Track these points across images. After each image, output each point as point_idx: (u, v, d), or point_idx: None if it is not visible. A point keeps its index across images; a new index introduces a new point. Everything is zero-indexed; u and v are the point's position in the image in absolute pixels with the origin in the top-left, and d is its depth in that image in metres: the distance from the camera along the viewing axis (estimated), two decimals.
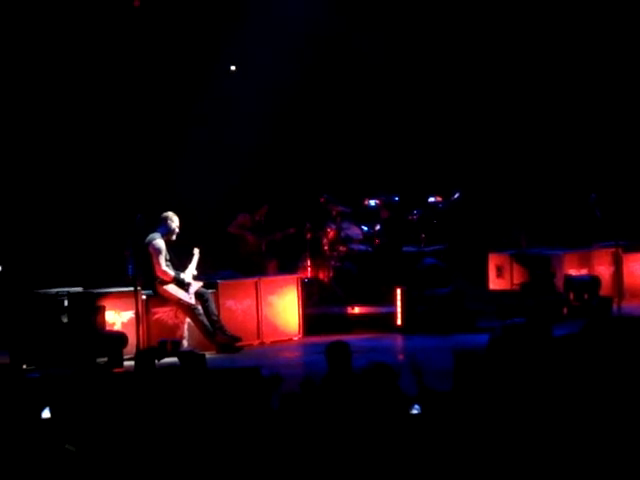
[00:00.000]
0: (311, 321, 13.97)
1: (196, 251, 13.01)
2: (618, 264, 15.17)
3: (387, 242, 15.73)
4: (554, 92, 17.86)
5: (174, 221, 12.83)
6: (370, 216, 16.21)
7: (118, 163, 16.41)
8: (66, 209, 16.05)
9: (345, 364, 7.48)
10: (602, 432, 6.22)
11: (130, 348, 11.92)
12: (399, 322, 14.00)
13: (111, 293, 12.62)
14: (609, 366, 6.94)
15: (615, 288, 14.74)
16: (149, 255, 12.69)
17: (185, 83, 17.06)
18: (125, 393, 7.31)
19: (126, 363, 11.64)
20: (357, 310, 14.76)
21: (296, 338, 13.70)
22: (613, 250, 15.24)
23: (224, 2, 16.87)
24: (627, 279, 15.32)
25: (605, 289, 14.71)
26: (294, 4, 16.86)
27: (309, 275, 15.47)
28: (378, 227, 16.02)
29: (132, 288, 12.11)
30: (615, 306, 13.48)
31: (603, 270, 15.30)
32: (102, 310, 12.30)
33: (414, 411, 6.29)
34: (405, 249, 15.62)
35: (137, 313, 12.11)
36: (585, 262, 15.43)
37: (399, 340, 13.61)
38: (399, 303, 14.00)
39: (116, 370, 11.19)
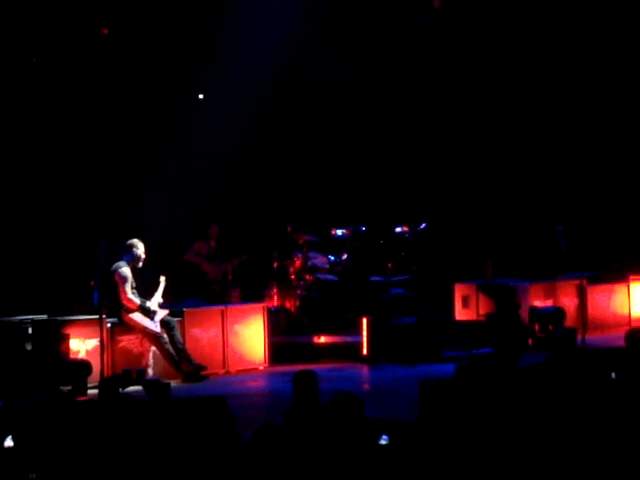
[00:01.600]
0: (277, 350, 13.94)
1: (162, 279, 12.96)
2: (582, 296, 15.27)
3: (353, 271, 15.76)
4: (518, 123, 17.99)
5: (139, 248, 12.79)
6: (337, 246, 16.25)
7: (82, 191, 16.33)
8: (30, 236, 15.94)
9: (312, 393, 7.47)
10: (566, 460, 6.24)
11: (95, 376, 11.82)
12: (365, 352, 14.00)
13: (76, 321, 12.54)
14: (573, 396, 6.97)
15: (580, 319, 14.82)
16: (115, 283, 12.63)
17: (151, 113, 17.04)
18: (89, 421, 7.25)
19: (90, 391, 11.55)
20: (323, 339, 14.75)
21: (262, 367, 13.65)
22: (578, 282, 15.34)
23: (192, 31, 16.87)
24: (591, 311, 15.42)
25: (570, 320, 14.79)
26: (262, 35, 16.88)
27: (275, 304, 15.46)
28: (345, 256, 16.05)
29: (97, 316, 12.04)
30: (579, 337, 13.58)
31: (568, 301, 15.38)
32: (66, 338, 12.21)
33: (382, 442, 6.29)
34: (371, 279, 15.66)
35: (102, 341, 12.02)
36: (550, 293, 15.51)
37: (365, 370, 13.60)
38: (365, 332, 14.00)
39: (80, 398, 11.09)
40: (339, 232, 16.14)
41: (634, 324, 15.24)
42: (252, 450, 6.35)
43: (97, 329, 12.04)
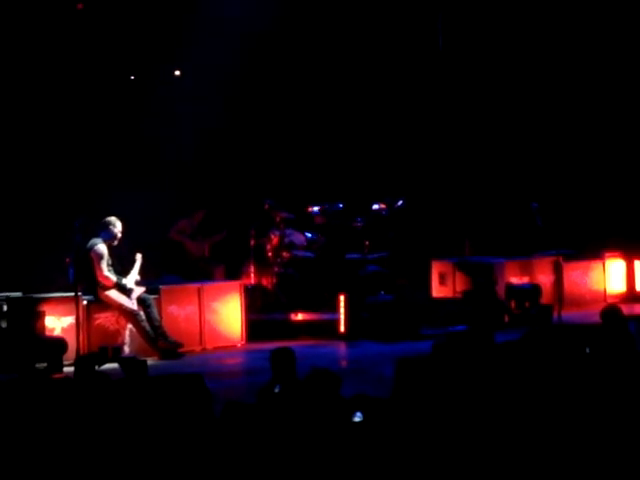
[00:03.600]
0: (254, 327, 13.93)
1: (138, 256, 12.92)
2: (559, 273, 15.33)
3: (328, 249, 15.74)
4: (496, 100, 17.99)
5: (117, 226, 12.73)
6: (313, 223, 16.22)
7: (57, 167, 16.22)
8: (5, 213, 15.82)
9: (290, 370, 7.47)
10: (542, 438, 6.27)
11: (71, 354, 11.79)
12: (342, 329, 14.01)
13: (51, 298, 12.50)
14: (549, 372, 7.00)
15: (556, 296, 14.88)
16: (90, 260, 12.58)
17: (126, 87, 16.94)
18: (64, 399, 7.22)
19: (66, 369, 11.51)
20: (300, 317, 14.75)
21: (239, 344, 13.64)
22: (554, 259, 15.39)
23: (167, 7, 16.75)
24: (567, 287, 15.49)
25: (546, 297, 14.86)
26: (237, 6, 16.78)
27: (252, 281, 15.44)
28: (320, 235, 16.04)
29: (73, 293, 11.99)
30: (555, 314, 13.64)
31: (544, 278, 15.44)
32: (42, 315, 12.17)
33: (356, 419, 6.29)
34: (348, 256, 15.65)
35: (78, 318, 11.99)
36: (526, 270, 15.57)
37: (342, 347, 13.62)
38: (342, 310, 14.01)
39: (56, 376, 11.05)
40: (316, 209, 16.11)
41: (609, 300, 15.33)
42: (220, 429, 6.34)
43: (73, 306, 12.02)
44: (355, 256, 15.63)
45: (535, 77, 17.82)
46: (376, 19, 17.71)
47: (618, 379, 6.85)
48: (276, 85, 18.02)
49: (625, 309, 9.16)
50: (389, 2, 17.67)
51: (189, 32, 16.73)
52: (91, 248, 12.59)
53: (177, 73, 17.65)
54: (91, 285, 12.62)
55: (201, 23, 16.80)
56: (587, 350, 7.47)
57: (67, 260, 12.63)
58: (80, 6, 16.25)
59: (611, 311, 8.51)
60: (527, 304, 14.46)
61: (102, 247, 12.60)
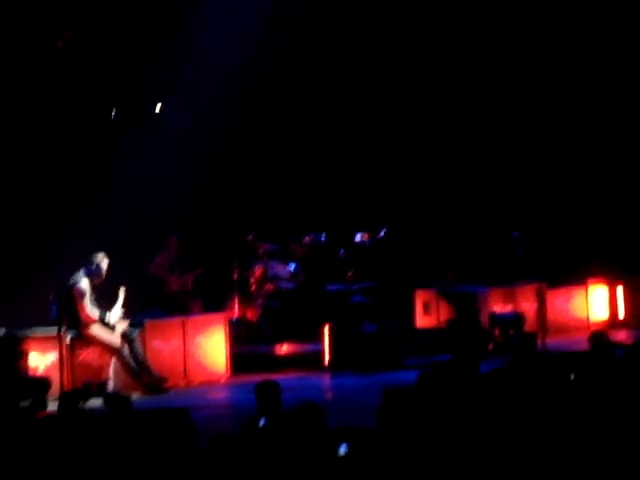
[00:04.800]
0: (239, 360, 13.89)
1: (122, 291, 12.88)
2: (542, 300, 15.37)
3: (313, 280, 15.74)
4: (477, 128, 18.10)
5: (102, 263, 12.68)
6: (298, 255, 16.23)
7: (38, 199, 16.20)
8: None
9: (275, 403, 7.45)
10: (529, 466, 6.27)
11: (55, 390, 11.72)
12: (327, 360, 13.99)
13: (34, 335, 12.42)
14: (534, 400, 7.01)
15: (539, 324, 14.92)
16: (73, 296, 12.53)
17: (107, 122, 16.95)
18: (49, 438, 7.18)
19: (51, 406, 11.44)
20: (285, 349, 14.73)
21: (224, 378, 13.60)
22: (537, 286, 15.44)
23: (151, 42, 16.80)
24: (551, 315, 15.53)
25: (530, 325, 14.89)
26: (222, 49, 16.86)
27: (237, 314, 15.42)
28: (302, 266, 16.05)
29: (56, 330, 11.94)
30: (539, 342, 13.67)
31: (527, 306, 15.48)
32: (25, 353, 12.10)
33: (342, 451, 6.28)
34: (332, 287, 15.66)
35: (61, 355, 11.93)
36: (510, 298, 15.61)
37: (327, 378, 13.59)
38: (327, 341, 14.01)
39: (40, 414, 10.98)
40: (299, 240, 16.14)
41: (593, 327, 15.37)
42: (205, 463, 6.31)
43: (56, 343, 11.95)
44: (339, 287, 15.64)
45: (514, 106, 17.96)
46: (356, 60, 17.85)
47: (603, 406, 6.86)
48: (258, 118, 18.09)
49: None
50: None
51: (172, 67, 16.78)
52: (74, 284, 12.54)
53: (158, 108, 17.68)
54: (74, 321, 12.57)
55: (185, 57, 16.87)
56: (572, 377, 7.48)
57: (50, 296, 12.58)
58: (60, 44, 16.28)
59: (599, 337, 8.53)
60: (511, 332, 14.49)
61: (85, 283, 12.56)
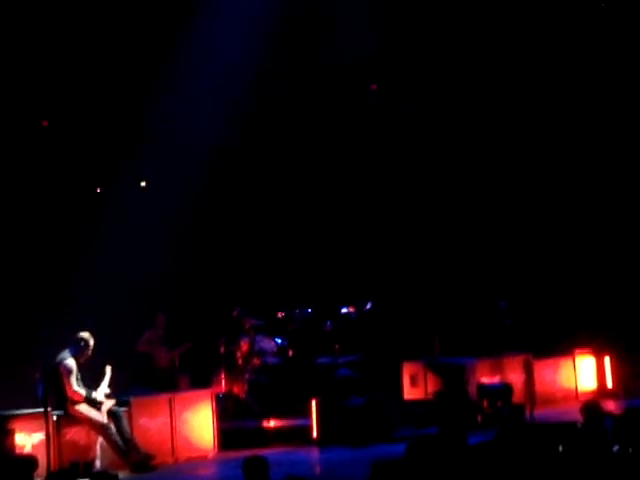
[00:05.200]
0: (227, 436, 13.81)
1: (108, 369, 12.85)
2: (529, 371, 15.37)
3: (298, 354, 15.72)
4: (453, 199, 18.23)
5: (88, 343, 12.65)
6: (284, 329, 16.22)
7: (21, 279, 16.19)
8: None
9: (262, 479, 7.41)
10: None
11: (42, 470, 11.60)
12: (315, 434, 13.92)
13: (21, 415, 12.34)
14: (523, 472, 6.99)
15: (527, 395, 14.89)
16: (60, 375, 12.48)
17: (90, 199, 17.04)
18: None
19: None
20: (273, 424, 14.65)
21: (211, 454, 13.51)
22: (524, 357, 15.44)
23: (129, 117, 16.93)
24: (538, 386, 15.50)
25: (518, 396, 14.85)
26: (197, 118, 17.01)
27: (224, 389, 15.35)
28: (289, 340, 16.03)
29: (42, 409, 11.87)
30: (528, 413, 13.64)
31: (515, 377, 15.45)
32: (11, 433, 12.01)
33: None
34: (319, 360, 15.63)
35: (48, 434, 11.85)
36: (497, 369, 15.58)
37: (315, 453, 13.52)
38: (314, 415, 13.95)
39: None
40: (285, 315, 16.15)
41: (581, 397, 15.37)
42: None
43: (43, 422, 11.88)
44: (326, 360, 15.61)
45: (489, 168, 18.10)
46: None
47: (593, 477, 6.85)
48: (241, 192, 18.19)
49: None
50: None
51: (154, 143, 16.90)
52: (60, 362, 12.50)
53: (143, 184, 17.79)
54: (60, 400, 12.50)
55: (167, 134, 17.01)
56: (560, 449, 7.48)
57: (36, 375, 12.54)
58: (45, 123, 16.43)
59: (592, 407, 8.54)
60: (499, 404, 14.45)
61: (71, 362, 12.51)
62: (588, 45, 17.30)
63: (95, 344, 12.80)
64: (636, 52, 17.13)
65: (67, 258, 16.60)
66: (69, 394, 12.46)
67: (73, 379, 12.48)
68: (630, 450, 7.17)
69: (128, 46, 16.53)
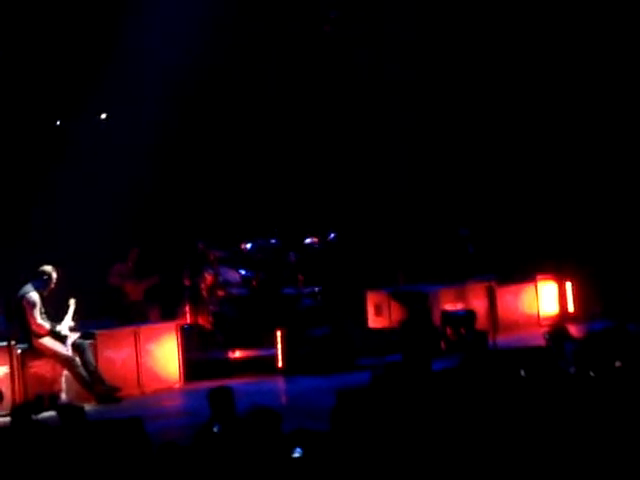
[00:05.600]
0: (192, 367, 13.85)
1: (72, 302, 12.80)
2: (492, 298, 15.48)
3: (262, 285, 15.74)
4: (420, 127, 18.18)
5: (51, 276, 12.56)
6: (248, 260, 16.22)
7: None
8: None
9: (228, 409, 7.45)
10: (480, 464, 6.33)
11: (7, 404, 11.61)
12: (280, 364, 14.00)
13: None
14: (486, 397, 7.07)
15: (490, 321, 15.03)
16: (23, 309, 12.42)
17: (55, 133, 16.84)
18: (1, 449, 7.12)
19: (2, 419, 11.33)
20: (238, 354, 14.72)
21: (177, 385, 13.55)
22: (487, 284, 15.56)
23: (89, 50, 16.68)
24: (501, 312, 15.63)
25: (481, 322, 14.99)
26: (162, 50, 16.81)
27: (189, 321, 15.37)
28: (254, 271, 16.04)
29: (5, 343, 11.83)
30: (490, 339, 13.78)
31: (478, 304, 15.57)
32: None
33: (296, 454, 6.30)
34: (283, 291, 15.67)
35: (12, 368, 11.82)
36: (461, 297, 15.71)
37: (281, 382, 13.60)
38: (280, 345, 14.02)
39: None
40: (249, 246, 16.13)
41: (543, 323, 15.55)
42: (157, 472, 6.31)
43: (7, 356, 11.85)
44: (290, 291, 15.66)
45: (461, 100, 18.06)
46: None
47: (554, 401, 6.94)
48: (206, 123, 18.05)
49: None
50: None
51: (115, 77, 16.67)
52: (22, 296, 12.43)
53: (103, 116, 17.60)
54: (24, 333, 12.47)
55: (127, 67, 16.77)
56: (522, 373, 7.56)
57: None
58: None
59: (558, 331, 8.63)
60: (462, 330, 14.58)
61: (34, 295, 12.44)
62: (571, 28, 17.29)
63: (59, 277, 12.73)
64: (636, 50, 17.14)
65: (32, 192, 16.44)
66: (33, 327, 12.41)
67: (37, 312, 12.42)
68: (591, 373, 7.26)
69: None
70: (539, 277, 16.57)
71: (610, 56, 17.22)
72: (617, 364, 7.58)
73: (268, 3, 17.49)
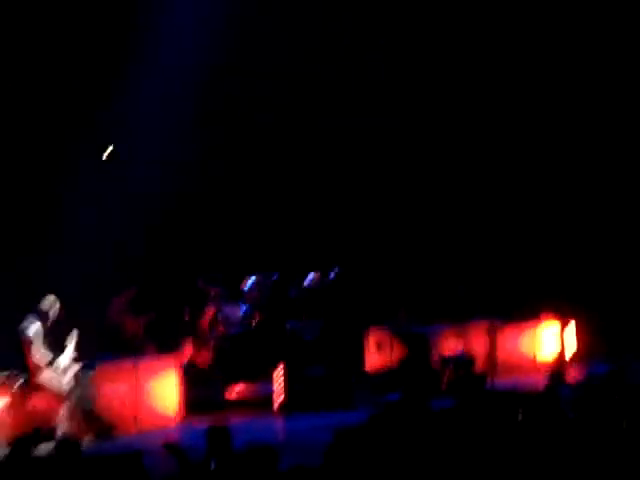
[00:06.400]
0: (190, 404, 13.82)
1: (74, 333, 12.78)
2: (493, 338, 15.49)
3: (263, 321, 15.75)
4: (418, 170, 18.29)
5: (54, 307, 12.57)
6: (249, 296, 16.23)
7: None
8: None
9: (225, 446, 7.45)
10: None
11: (4, 437, 11.59)
12: (278, 402, 13.98)
13: None
14: (482, 438, 7.08)
15: (490, 362, 15.03)
16: (22, 343, 12.40)
17: (58, 167, 16.91)
18: None
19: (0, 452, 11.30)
20: (237, 391, 14.69)
21: (175, 422, 13.52)
22: (488, 324, 15.57)
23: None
24: (501, 353, 15.62)
25: (480, 363, 14.98)
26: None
27: (188, 357, 15.35)
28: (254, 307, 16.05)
29: (7, 373, 11.84)
30: (489, 381, 13.77)
31: (479, 343, 15.57)
32: None
33: None
34: (283, 326, 15.67)
35: (11, 400, 11.81)
36: (462, 335, 15.71)
37: (279, 420, 13.57)
38: (278, 383, 14.01)
39: None
40: (249, 282, 16.16)
41: (540, 366, 15.58)
42: None
43: (6, 388, 11.83)
44: (289, 326, 15.65)
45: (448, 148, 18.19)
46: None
47: (551, 445, 6.94)
48: (205, 160, 18.11)
49: None
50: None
51: (123, 108, 16.76)
52: (22, 332, 12.37)
53: (109, 149, 17.66)
54: (24, 366, 12.45)
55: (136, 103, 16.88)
56: (519, 416, 7.57)
57: None
58: None
59: (556, 376, 8.64)
60: (461, 372, 14.58)
61: (32, 330, 12.35)
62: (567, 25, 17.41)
63: (62, 308, 12.72)
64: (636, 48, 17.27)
65: (39, 223, 16.45)
66: (31, 363, 12.36)
67: (36, 347, 12.36)
68: (588, 419, 7.27)
69: None
70: (543, 316, 16.61)
71: (609, 63, 17.33)
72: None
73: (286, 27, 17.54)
